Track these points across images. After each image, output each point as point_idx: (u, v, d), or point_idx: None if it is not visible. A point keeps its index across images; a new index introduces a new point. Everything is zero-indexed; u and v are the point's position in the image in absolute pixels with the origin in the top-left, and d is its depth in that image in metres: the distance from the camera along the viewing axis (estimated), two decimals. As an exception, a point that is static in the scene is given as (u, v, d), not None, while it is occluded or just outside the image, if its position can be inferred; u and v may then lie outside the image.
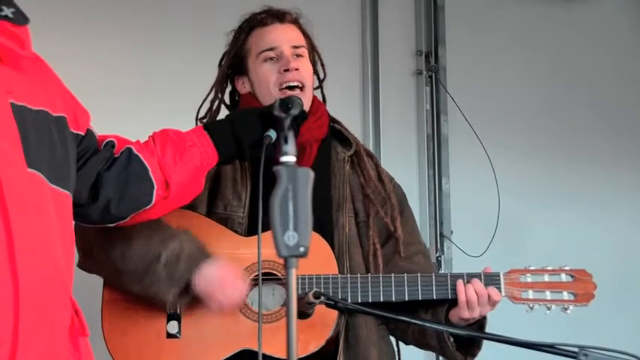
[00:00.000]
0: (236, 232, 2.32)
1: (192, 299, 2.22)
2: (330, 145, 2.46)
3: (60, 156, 1.79)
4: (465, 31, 4.02)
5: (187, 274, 2.17)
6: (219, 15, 3.34)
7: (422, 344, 2.42)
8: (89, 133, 1.99)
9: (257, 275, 2.27)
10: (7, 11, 1.73)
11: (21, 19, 1.75)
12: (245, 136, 2.16)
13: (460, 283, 2.28)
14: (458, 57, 3.99)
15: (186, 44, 3.50)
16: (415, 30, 4.01)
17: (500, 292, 2.30)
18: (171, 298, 2.19)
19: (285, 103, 2.05)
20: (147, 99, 3.42)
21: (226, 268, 2.20)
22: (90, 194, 2.01)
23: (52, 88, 1.86)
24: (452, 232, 3.90)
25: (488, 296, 2.27)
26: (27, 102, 1.74)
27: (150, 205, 2.07)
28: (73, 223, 1.88)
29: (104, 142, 2.06)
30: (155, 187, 2.05)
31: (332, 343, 2.29)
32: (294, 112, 2.01)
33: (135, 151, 2.06)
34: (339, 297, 2.25)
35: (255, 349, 2.14)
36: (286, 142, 1.49)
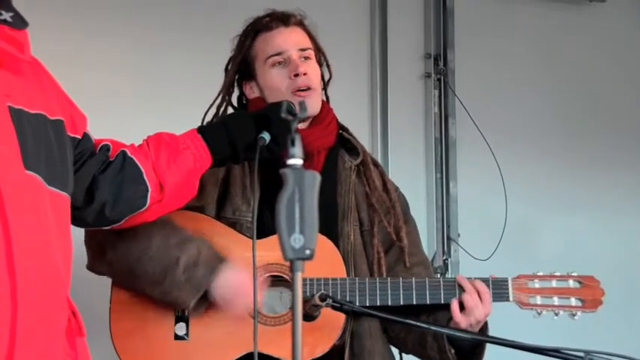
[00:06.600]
0: (245, 235, 2.32)
1: (209, 305, 2.23)
2: (337, 154, 2.46)
3: (57, 158, 1.81)
4: (474, 35, 4.01)
5: (205, 279, 2.18)
6: (223, 16, 3.35)
7: (422, 355, 2.42)
8: (85, 136, 2.00)
9: (268, 277, 2.28)
10: (6, 15, 1.75)
11: (20, 23, 1.77)
12: (239, 138, 2.16)
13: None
14: (467, 60, 3.98)
15: (189, 46, 3.49)
16: (424, 33, 4.00)
17: (509, 297, 2.32)
18: (192, 305, 2.20)
19: (292, 106, 2.05)
20: (149, 101, 3.41)
21: (243, 272, 2.20)
22: (85, 197, 2.02)
23: (49, 91, 1.87)
24: (459, 236, 3.89)
25: (478, 292, 2.28)
26: (24, 105, 1.75)
27: (144, 208, 2.07)
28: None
29: (99, 146, 2.07)
30: (149, 189, 2.06)
31: (337, 353, 2.29)
32: (302, 115, 2.01)
33: (129, 154, 2.07)
34: (347, 300, 2.25)
35: (264, 351, 2.15)
36: (293, 144, 1.49)
